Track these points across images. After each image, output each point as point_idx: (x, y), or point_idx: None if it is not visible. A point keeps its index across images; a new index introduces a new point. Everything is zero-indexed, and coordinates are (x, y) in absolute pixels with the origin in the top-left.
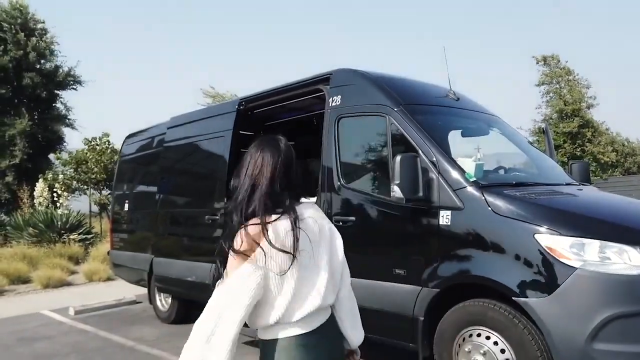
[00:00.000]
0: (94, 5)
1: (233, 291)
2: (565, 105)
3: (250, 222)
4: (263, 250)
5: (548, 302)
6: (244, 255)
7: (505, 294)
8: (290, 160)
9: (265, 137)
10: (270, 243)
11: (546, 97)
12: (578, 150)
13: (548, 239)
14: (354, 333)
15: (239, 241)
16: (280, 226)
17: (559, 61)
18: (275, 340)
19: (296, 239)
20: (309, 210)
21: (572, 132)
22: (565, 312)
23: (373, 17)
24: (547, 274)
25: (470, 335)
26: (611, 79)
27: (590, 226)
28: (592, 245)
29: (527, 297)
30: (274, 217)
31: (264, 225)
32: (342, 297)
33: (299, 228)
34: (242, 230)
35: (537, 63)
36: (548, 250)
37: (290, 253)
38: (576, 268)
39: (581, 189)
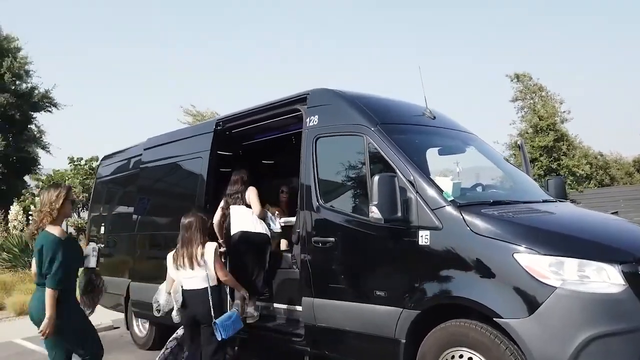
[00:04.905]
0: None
1: None
2: (540, 119)
3: None
4: None
5: (529, 323)
6: None
7: (486, 314)
8: None
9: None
10: None
11: (521, 112)
12: (554, 163)
13: (527, 259)
14: None
15: None
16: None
17: (530, 78)
18: None
19: None
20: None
21: (547, 145)
22: (546, 332)
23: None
24: (527, 294)
25: (453, 357)
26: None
27: (569, 245)
28: (571, 264)
29: (508, 317)
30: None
31: None
32: None
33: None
34: None
35: (511, 80)
36: (527, 270)
37: None
38: (556, 287)
39: (558, 206)
